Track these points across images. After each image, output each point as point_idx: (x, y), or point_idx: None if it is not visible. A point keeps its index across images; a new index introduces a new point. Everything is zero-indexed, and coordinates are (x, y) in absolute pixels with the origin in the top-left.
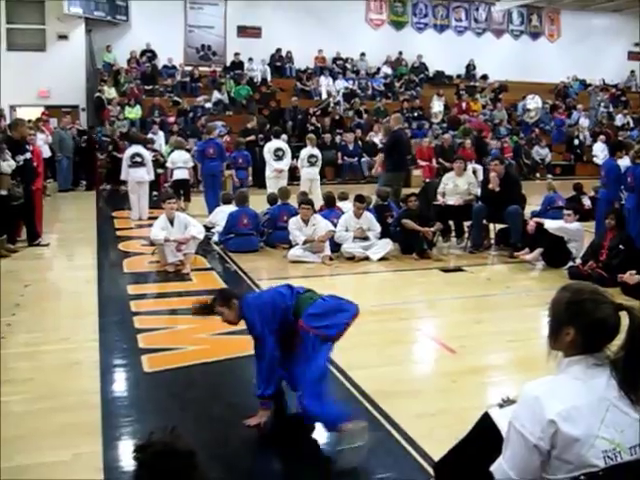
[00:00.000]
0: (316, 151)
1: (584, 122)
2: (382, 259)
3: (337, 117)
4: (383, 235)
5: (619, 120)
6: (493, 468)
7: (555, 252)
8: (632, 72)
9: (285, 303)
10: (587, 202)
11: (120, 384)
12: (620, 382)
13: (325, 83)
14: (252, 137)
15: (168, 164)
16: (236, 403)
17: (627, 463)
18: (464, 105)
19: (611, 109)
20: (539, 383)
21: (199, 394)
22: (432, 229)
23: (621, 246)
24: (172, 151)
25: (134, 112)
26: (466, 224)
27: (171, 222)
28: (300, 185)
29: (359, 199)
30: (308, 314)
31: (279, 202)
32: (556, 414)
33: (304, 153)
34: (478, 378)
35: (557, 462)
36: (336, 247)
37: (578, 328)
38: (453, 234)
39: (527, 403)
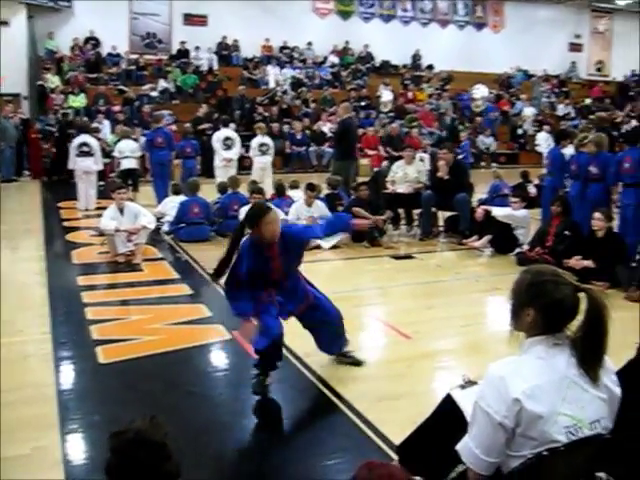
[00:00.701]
0: (267, 139)
1: (528, 112)
2: (333, 247)
3: (284, 106)
4: None
5: (561, 110)
6: (459, 447)
7: (503, 239)
8: (573, 63)
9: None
10: (532, 190)
11: (76, 376)
12: (579, 361)
13: (272, 72)
14: (205, 125)
15: (115, 153)
16: (193, 392)
17: (587, 438)
18: (410, 95)
19: (553, 99)
20: (503, 363)
21: (156, 384)
22: (382, 217)
23: (567, 232)
24: (119, 140)
25: (78, 101)
26: (416, 212)
27: (121, 212)
28: (252, 174)
29: (310, 187)
30: None
31: (229, 191)
32: (520, 392)
33: (255, 142)
34: (432, 362)
35: (521, 439)
36: None
37: (538, 309)
38: (403, 222)
39: (492, 383)
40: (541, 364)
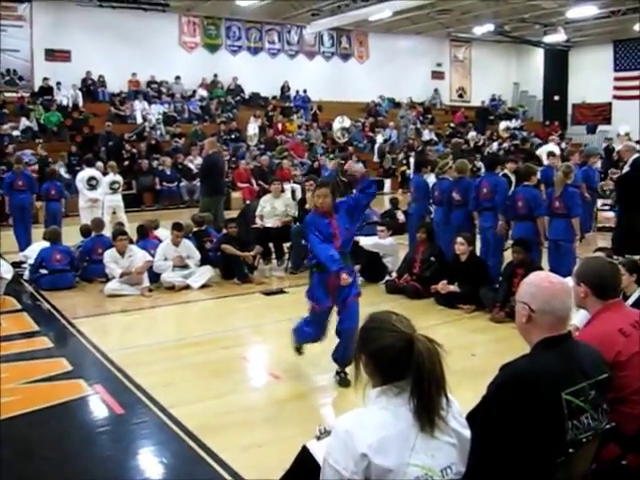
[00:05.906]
0: (118, 177)
1: (394, 137)
2: (203, 286)
3: (153, 142)
4: (203, 262)
5: (426, 135)
6: None
7: (372, 268)
8: (436, 90)
9: None
10: (401, 216)
11: None
12: (414, 409)
13: (140, 107)
14: None
15: None
16: (50, 458)
17: None
18: (280, 126)
19: (419, 125)
20: (350, 416)
21: (8, 453)
22: (252, 253)
23: (432, 258)
24: None
25: None
26: (286, 245)
27: None
28: (103, 214)
29: (177, 227)
30: None
31: (93, 234)
32: (367, 447)
33: (106, 180)
34: (305, 402)
35: None
36: (155, 277)
37: (367, 355)
38: (274, 256)
39: (339, 437)
40: (387, 415)
